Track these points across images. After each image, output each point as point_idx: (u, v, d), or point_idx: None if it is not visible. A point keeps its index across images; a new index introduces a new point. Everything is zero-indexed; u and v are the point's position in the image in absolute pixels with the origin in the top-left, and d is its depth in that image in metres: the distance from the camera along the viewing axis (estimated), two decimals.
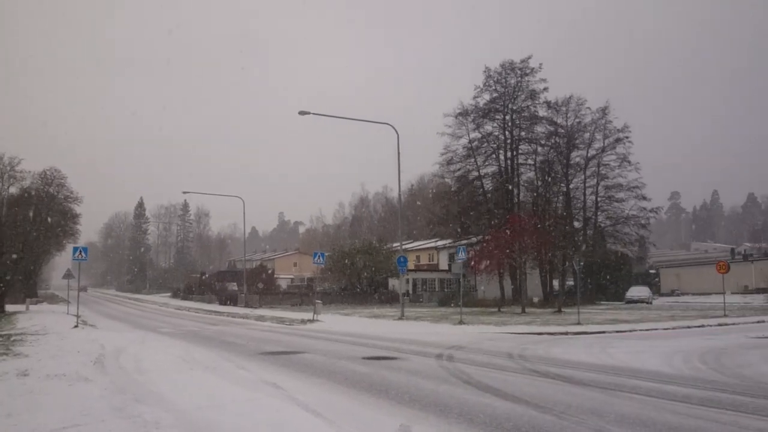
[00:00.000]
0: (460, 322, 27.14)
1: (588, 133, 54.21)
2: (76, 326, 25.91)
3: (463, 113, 51.44)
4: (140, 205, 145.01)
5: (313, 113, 32.53)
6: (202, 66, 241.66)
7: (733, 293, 59.11)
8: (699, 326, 25.03)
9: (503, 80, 51.00)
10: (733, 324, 26.04)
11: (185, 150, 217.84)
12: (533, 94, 51.08)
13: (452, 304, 43.87)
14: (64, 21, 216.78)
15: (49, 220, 54.38)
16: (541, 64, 50.40)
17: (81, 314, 30.59)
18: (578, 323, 25.77)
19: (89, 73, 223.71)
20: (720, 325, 25.63)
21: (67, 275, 38.01)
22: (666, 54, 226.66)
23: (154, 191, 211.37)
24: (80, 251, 27.63)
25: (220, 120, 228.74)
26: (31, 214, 52.24)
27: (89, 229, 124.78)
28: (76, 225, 61.49)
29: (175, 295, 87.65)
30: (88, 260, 38.64)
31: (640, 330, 23.36)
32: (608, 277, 56.95)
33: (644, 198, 52.91)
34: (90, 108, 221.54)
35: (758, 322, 27.37)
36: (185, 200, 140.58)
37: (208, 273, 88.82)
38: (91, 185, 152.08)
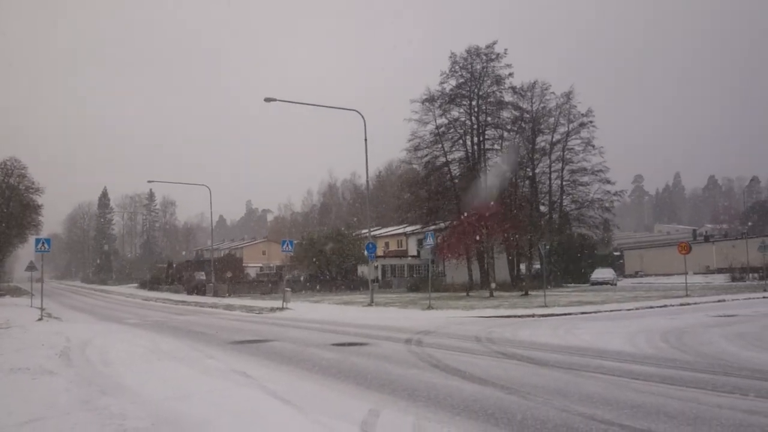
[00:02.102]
0: (429, 307, 27.34)
1: (553, 118, 54.98)
2: (40, 319, 25.47)
3: (430, 99, 51.44)
4: (104, 195, 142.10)
5: (279, 100, 32.28)
6: (169, 56, 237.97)
7: (695, 273, 60.53)
8: (662, 306, 25.57)
9: (469, 66, 51.08)
10: (695, 303, 26.65)
11: (150, 139, 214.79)
12: (499, 80, 51.24)
13: (422, 290, 44.11)
14: (25, 11, 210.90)
15: (11, 211, 53.25)
16: (506, 49, 50.63)
17: (45, 307, 30.06)
18: (545, 306, 26.14)
19: (50, 63, 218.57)
20: (682, 304, 26.20)
21: (30, 267, 37.32)
22: (626, 38, 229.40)
23: (118, 181, 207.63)
24: (43, 243, 27.10)
25: (185, 109, 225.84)
26: None
27: (52, 220, 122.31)
28: (39, 216, 60.35)
29: (142, 286, 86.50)
30: (52, 252, 37.96)
31: (605, 311, 23.80)
32: (574, 259, 57.83)
33: (608, 181, 53.97)
34: (52, 98, 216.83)
35: (719, 301, 28.04)
36: (151, 189, 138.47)
37: (176, 263, 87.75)
38: (53, 176, 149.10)
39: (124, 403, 8.11)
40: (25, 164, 57.58)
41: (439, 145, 52.00)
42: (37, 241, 27.45)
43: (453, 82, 51.66)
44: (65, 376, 10.55)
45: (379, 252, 60.61)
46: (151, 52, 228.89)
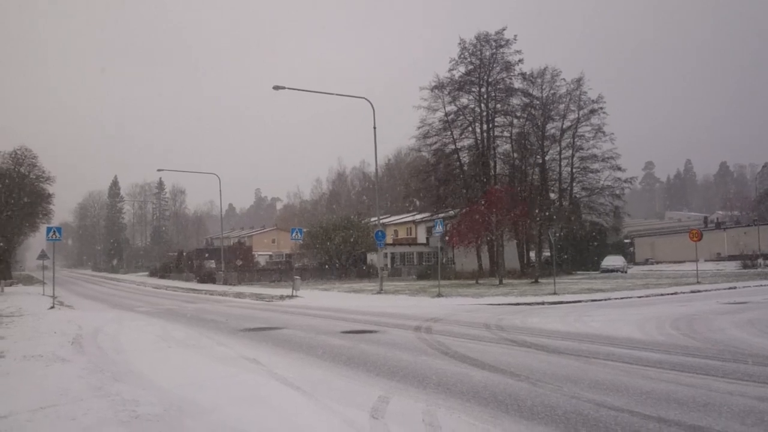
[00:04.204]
0: (438, 295, 27.35)
1: (563, 105, 54.49)
2: (52, 307, 25.68)
3: (439, 86, 51.25)
4: (115, 183, 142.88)
5: (288, 88, 32.27)
6: (179, 47, 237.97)
7: (706, 261, 60.22)
8: (672, 293, 25.48)
9: (478, 52, 50.77)
10: (706, 291, 26.52)
11: (160, 129, 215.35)
12: (508, 66, 50.94)
13: (431, 277, 44.12)
14: (36, 5, 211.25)
15: (24, 200, 53.55)
16: (516, 35, 50.26)
17: (57, 295, 30.29)
18: (554, 293, 26.07)
19: (61, 54, 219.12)
20: (693, 292, 26.10)
21: (42, 256, 37.60)
22: (637, 24, 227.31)
23: (128, 170, 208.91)
24: (54, 231, 27.24)
25: (195, 98, 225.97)
26: (2, 194, 51.46)
27: (63, 209, 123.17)
28: (50, 205, 60.68)
29: (152, 274, 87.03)
30: (63, 240, 38.22)
31: (615, 298, 23.73)
32: (584, 247, 57.63)
33: (619, 168, 53.58)
34: (62, 88, 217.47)
35: (730, 288, 27.90)
36: (160, 178, 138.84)
37: (186, 251, 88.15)
38: (64, 165, 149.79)
39: (136, 390, 8.17)
40: (36, 153, 57.93)
41: (448, 133, 51.85)
42: (49, 229, 27.59)
43: (462, 69, 51.48)
44: (78, 363, 10.63)
45: (389, 240, 60.64)
46: (161, 43, 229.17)
